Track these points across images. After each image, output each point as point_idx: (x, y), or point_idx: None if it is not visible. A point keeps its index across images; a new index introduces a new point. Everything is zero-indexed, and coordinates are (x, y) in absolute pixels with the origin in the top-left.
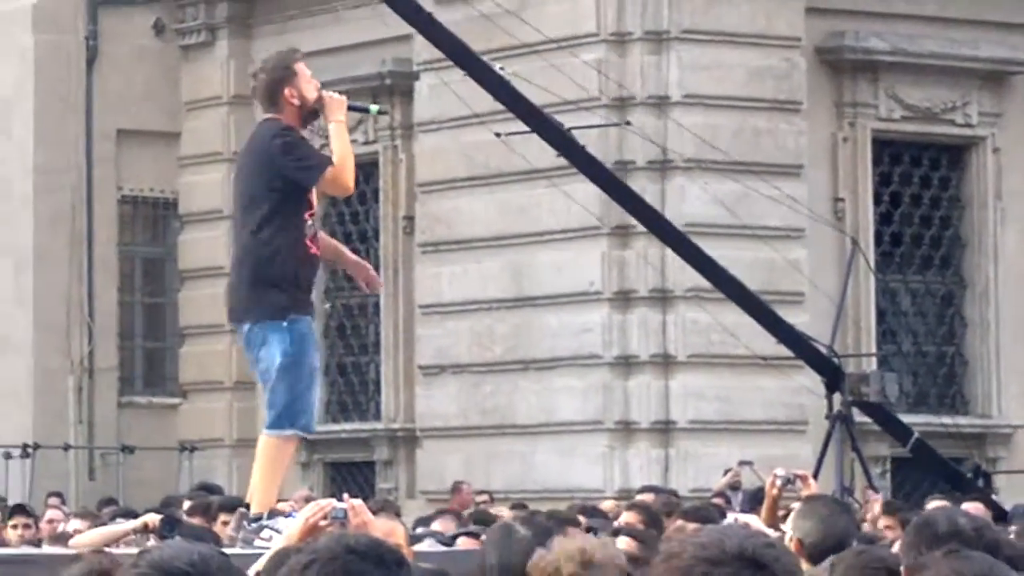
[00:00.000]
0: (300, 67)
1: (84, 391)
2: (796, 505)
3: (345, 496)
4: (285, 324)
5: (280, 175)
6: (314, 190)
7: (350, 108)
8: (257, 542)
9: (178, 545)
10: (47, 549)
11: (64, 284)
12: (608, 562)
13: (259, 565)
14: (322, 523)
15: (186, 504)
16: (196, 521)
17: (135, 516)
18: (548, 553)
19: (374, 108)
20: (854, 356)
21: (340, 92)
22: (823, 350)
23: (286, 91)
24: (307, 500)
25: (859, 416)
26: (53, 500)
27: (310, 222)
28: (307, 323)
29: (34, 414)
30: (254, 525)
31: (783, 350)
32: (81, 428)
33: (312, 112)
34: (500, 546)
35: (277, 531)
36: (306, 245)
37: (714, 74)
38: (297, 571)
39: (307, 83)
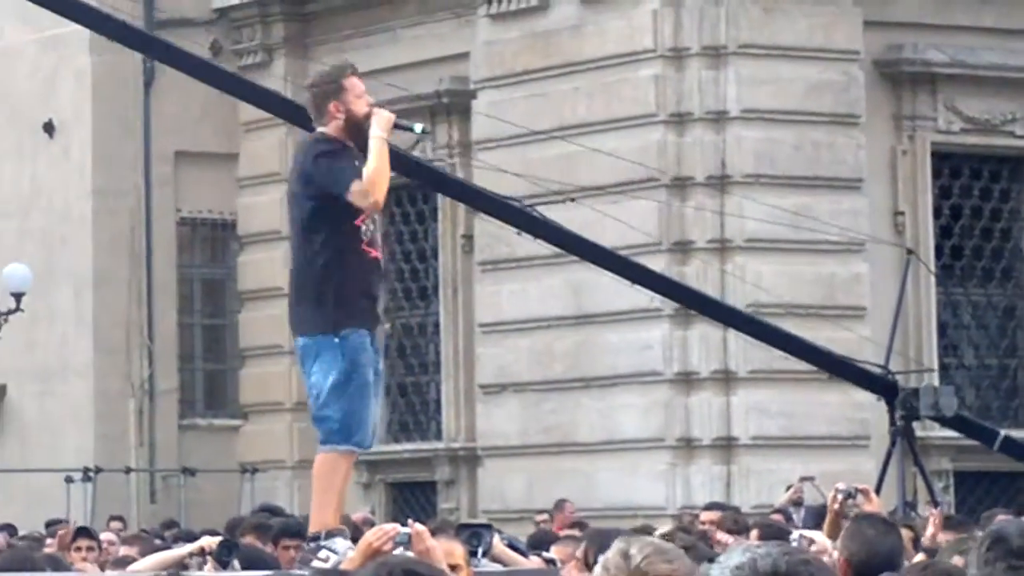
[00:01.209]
0: (351, 82)
1: (145, 414)
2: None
3: (409, 521)
4: (337, 340)
5: (315, 184)
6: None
7: (396, 125)
8: (314, 562)
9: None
10: (109, 573)
11: (123, 307)
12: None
13: None
14: (385, 548)
15: (244, 525)
16: (250, 541)
17: (196, 539)
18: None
19: (418, 127)
20: (910, 372)
21: (396, 111)
22: (875, 368)
23: (331, 105)
24: (364, 522)
25: (923, 430)
26: (115, 524)
27: (363, 227)
28: (361, 336)
29: (95, 437)
30: (312, 545)
31: None
32: (142, 451)
33: (358, 127)
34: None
35: (334, 551)
36: (362, 251)
37: (772, 88)
38: None
39: (356, 98)
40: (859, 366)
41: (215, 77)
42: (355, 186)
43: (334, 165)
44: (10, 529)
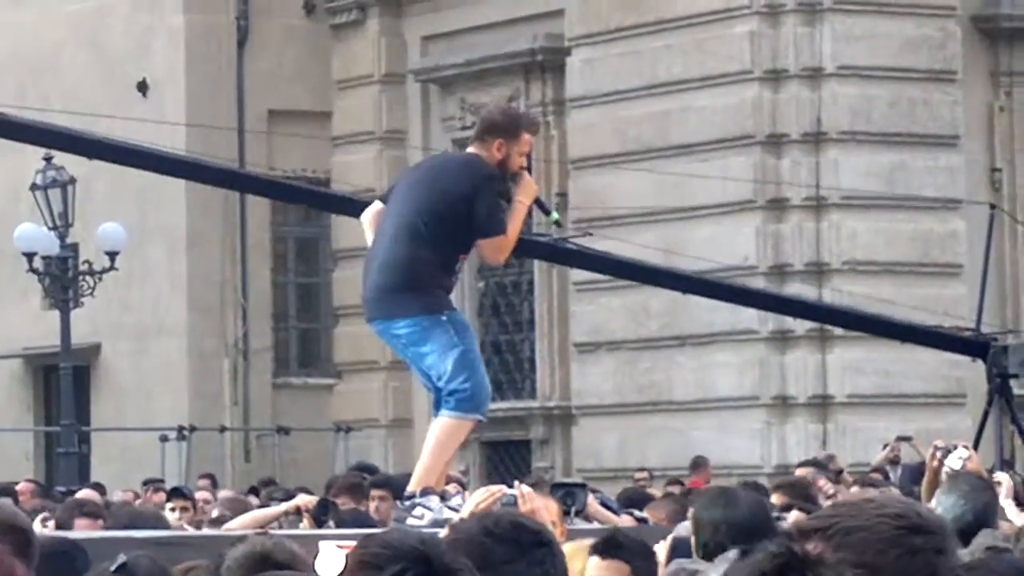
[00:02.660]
0: (526, 137)
1: (239, 373)
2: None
3: (516, 482)
4: (444, 318)
5: (469, 210)
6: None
7: (537, 199)
8: (409, 520)
9: (403, 530)
10: (206, 531)
11: (217, 266)
12: None
13: None
14: (493, 509)
15: (337, 484)
16: (344, 501)
17: (291, 498)
18: None
19: (554, 215)
20: (1007, 332)
21: (491, 69)
22: (965, 331)
23: (497, 141)
24: (456, 482)
25: (1020, 388)
26: (203, 482)
27: (458, 265)
28: (460, 314)
29: (189, 397)
30: (407, 503)
31: (940, 324)
32: (236, 410)
33: (503, 177)
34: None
35: (429, 508)
36: (450, 279)
37: (868, 45)
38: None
39: (519, 154)
40: (947, 333)
41: (290, 194)
42: (495, 241)
43: (498, 211)
44: (100, 488)
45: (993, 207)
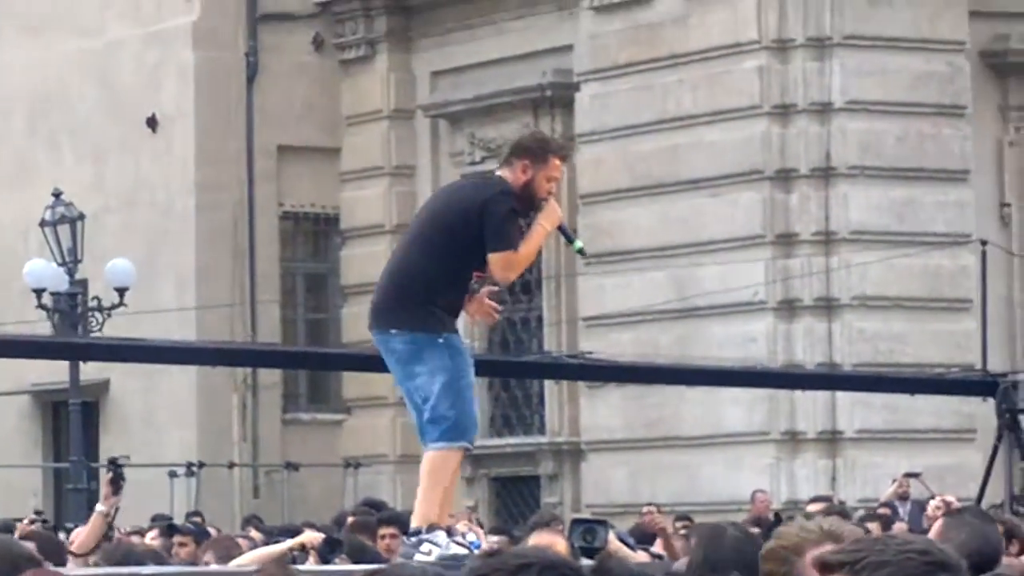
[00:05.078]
0: (555, 163)
1: (248, 409)
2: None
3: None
4: (441, 340)
5: (477, 222)
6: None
7: (561, 227)
8: (417, 556)
9: (410, 564)
10: (213, 567)
11: (226, 301)
12: (852, 535)
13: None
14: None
15: (348, 521)
16: (360, 540)
17: (297, 533)
18: (790, 528)
19: (579, 243)
20: (1018, 372)
21: (501, 104)
22: (972, 373)
23: (522, 163)
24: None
25: None
26: (195, 519)
27: (475, 283)
28: (460, 339)
29: (198, 433)
30: (413, 539)
31: (951, 358)
32: (245, 446)
33: (528, 201)
34: (709, 544)
35: (436, 544)
36: (465, 292)
37: (877, 80)
38: (509, 570)
39: (546, 179)
40: (954, 378)
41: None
42: (503, 256)
43: (506, 225)
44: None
45: (984, 243)
